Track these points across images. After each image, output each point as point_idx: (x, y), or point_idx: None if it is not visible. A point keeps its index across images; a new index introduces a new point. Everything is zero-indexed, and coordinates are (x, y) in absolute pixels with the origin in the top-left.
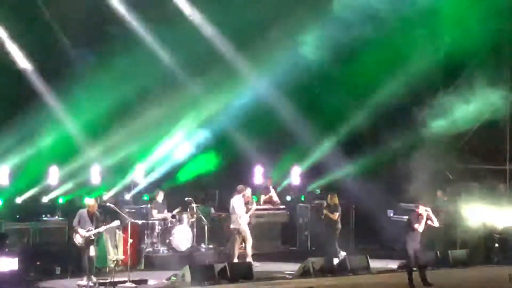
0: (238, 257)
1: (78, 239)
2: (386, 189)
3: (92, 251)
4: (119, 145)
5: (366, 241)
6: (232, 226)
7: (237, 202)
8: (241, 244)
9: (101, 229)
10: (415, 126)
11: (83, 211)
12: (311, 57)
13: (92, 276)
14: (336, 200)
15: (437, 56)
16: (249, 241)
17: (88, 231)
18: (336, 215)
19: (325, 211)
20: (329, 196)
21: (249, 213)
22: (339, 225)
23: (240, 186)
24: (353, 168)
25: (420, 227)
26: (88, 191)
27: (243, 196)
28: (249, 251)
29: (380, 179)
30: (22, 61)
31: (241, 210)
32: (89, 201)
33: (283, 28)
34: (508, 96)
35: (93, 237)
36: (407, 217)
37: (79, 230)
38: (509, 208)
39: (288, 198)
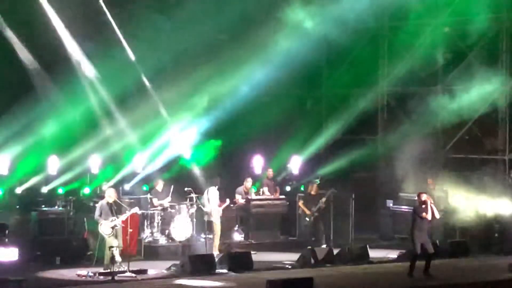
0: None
1: (105, 231)
2: (385, 179)
3: (115, 241)
4: (119, 135)
5: (365, 231)
6: (208, 218)
7: (212, 194)
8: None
9: (124, 216)
10: (413, 115)
11: (103, 203)
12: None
13: (114, 265)
14: (317, 190)
15: (436, 45)
16: (218, 234)
17: (112, 221)
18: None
19: (301, 205)
20: (309, 186)
21: (222, 206)
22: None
23: (215, 178)
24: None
25: (428, 215)
26: (88, 181)
27: (244, 186)
28: (217, 244)
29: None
30: (23, 52)
31: (215, 203)
32: (109, 191)
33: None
34: (506, 85)
35: (118, 226)
36: (407, 207)
37: (103, 221)
38: (508, 197)
39: (288, 188)
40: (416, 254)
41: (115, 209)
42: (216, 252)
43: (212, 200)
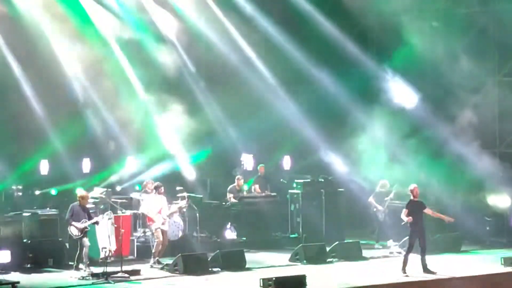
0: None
1: (74, 232)
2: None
3: (87, 241)
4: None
5: (357, 226)
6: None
7: (153, 201)
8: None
9: (96, 219)
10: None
11: (75, 204)
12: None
13: (89, 267)
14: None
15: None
16: (159, 242)
17: (82, 222)
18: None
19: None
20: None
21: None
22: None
23: (157, 183)
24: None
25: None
26: (80, 183)
27: (236, 184)
28: (157, 252)
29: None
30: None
31: (156, 210)
32: (81, 192)
33: None
34: (495, 77)
35: (88, 228)
36: (398, 201)
37: (74, 223)
38: (500, 191)
39: (282, 180)
40: (410, 248)
41: (88, 210)
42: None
43: (153, 208)
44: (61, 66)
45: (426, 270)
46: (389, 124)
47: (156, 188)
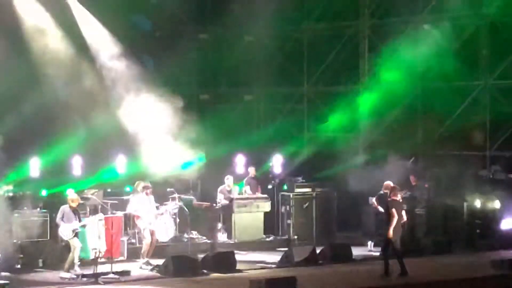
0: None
1: (64, 233)
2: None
3: (78, 242)
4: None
5: (348, 228)
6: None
7: (141, 201)
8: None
9: (86, 221)
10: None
11: (65, 206)
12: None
13: (78, 268)
14: None
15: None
16: (147, 242)
17: (73, 224)
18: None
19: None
20: None
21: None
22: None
23: (145, 184)
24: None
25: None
26: (70, 184)
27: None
28: (145, 252)
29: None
30: None
31: (144, 210)
32: (71, 194)
33: None
34: (487, 81)
35: (79, 230)
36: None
37: (64, 225)
38: (490, 194)
39: (270, 186)
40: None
41: (78, 212)
42: (143, 261)
43: (141, 208)
44: (49, 64)
45: (403, 271)
46: (375, 125)
47: (144, 188)
